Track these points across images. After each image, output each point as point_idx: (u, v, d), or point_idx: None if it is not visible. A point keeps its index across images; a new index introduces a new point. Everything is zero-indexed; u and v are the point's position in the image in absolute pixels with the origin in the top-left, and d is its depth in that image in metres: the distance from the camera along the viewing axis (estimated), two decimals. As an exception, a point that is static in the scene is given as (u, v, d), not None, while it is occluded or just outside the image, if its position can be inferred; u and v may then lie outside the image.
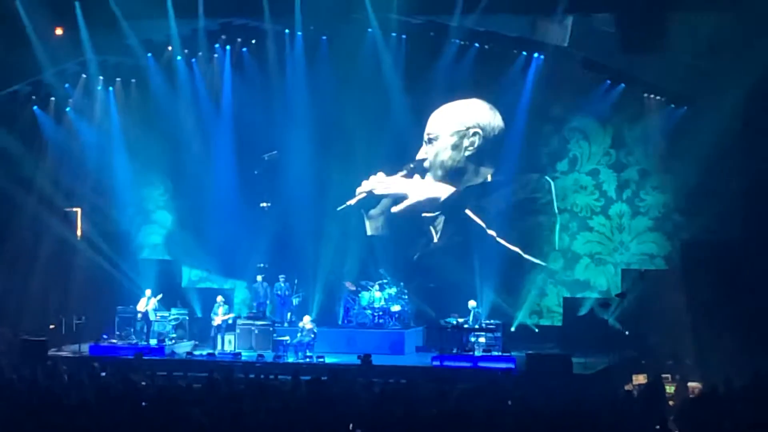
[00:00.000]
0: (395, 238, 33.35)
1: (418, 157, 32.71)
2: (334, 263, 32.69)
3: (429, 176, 32.83)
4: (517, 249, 32.24)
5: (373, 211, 33.35)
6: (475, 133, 32.48)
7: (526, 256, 32.29)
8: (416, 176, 32.71)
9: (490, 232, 32.26)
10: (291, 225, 32.86)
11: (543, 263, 32.31)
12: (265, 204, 33.32)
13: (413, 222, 33.19)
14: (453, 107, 32.65)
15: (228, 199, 34.15)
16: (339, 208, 32.94)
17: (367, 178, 33.04)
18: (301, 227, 32.65)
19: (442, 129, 32.68)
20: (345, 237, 32.94)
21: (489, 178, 32.52)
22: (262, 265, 32.58)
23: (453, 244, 32.78)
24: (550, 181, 32.43)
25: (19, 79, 32.55)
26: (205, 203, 34.40)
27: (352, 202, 33.02)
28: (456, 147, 32.61)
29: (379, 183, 32.69)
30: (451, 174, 32.74)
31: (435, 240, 32.97)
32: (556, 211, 32.35)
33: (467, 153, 32.55)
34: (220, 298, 31.68)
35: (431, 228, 33.01)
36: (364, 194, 33.04)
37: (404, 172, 32.88)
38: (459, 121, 32.58)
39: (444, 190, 32.67)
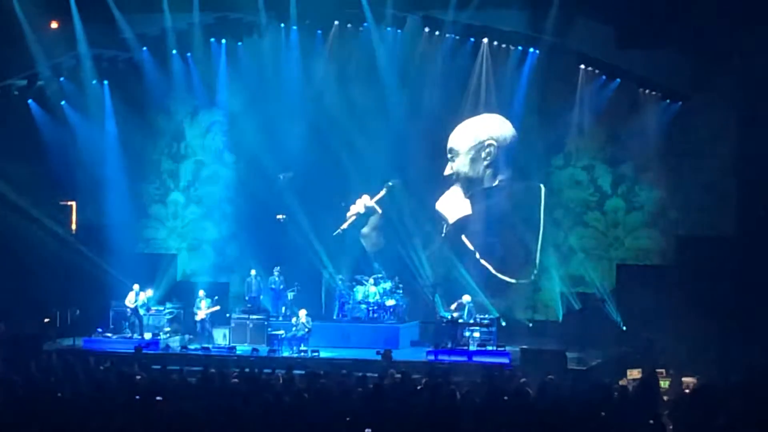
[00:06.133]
0: (393, 244, 33.44)
1: (446, 173, 33.13)
2: (331, 260, 32.85)
3: (455, 187, 33.25)
4: (496, 272, 32.66)
5: (364, 230, 33.64)
6: (490, 145, 32.91)
7: (501, 276, 32.64)
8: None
9: (478, 256, 32.83)
10: (288, 223, 32.95)
11: (517, 281, 32.62)
12: (281, 216, 33.28)
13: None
14: (468, 124, 33.03)
15: (223, 193, 34.33)
16: (334, 233, 33.17)
17: (364, 182, 33.22)
18: (297, 226, 32.73)
19: (461, 145, 33.13)
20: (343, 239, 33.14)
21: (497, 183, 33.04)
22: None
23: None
24: (541, 187, 32.60)
25: (14, 72, 32.57)
26: (199, 197, 34.56)
27: (345, 226, 33.32)
28: (474, 160, 33.04)
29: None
30: (474, 181, 33.17)
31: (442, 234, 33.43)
32: (542, 223, 32.47)
33: (485, 163, 33.01)
34: (201, 293, 31.73)
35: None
36: (354, 217, 33.38)
37: (384, 191, 33.21)
38: (474, 137, 33.05)
39: (456, 211, 33.28)
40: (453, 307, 30.73)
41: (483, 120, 32.97)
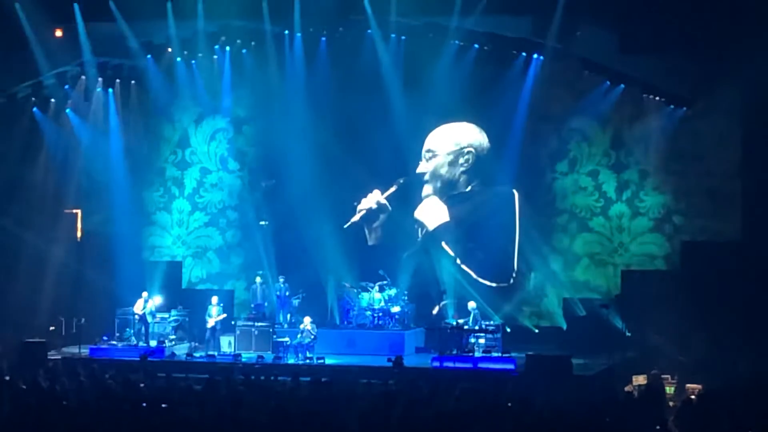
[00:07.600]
0: (393, 243, 33.60)
1: (419, 170, 33.27)
2: (334, 267, 32.84)
3: (428, 186, 33.39)
4: (477, 276, 32.66)
5: (374, 224, 33.73)
6: (468, 152, 33.20)
7: (482, 281, 32.57)
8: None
9: (459, 261, 32.97)
10: (290, 230, 32.98)
11: (498, 285, 32.55)
12: (263, 222, 33.38)
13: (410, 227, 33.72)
14: (448, 129, 33.30)
15: (227, 200, 34.41)
16: (345, 226, 33.29)
17: (367, 188, 33.38)
18: (300, 233, 32.75)
19: (440, 147, 33.38)
20: (344, 244, 33.07)
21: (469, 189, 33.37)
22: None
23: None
24: (514, 192, 32.62)
25: (18, 81, 32.59)
26: (204, 204, 34.64)
27: (355, 219, 33.47)
28: (452, 164, 33.35)
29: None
30: (447, 184, 33.39)
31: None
32: (517, 228, 32.49)
33: (462, 169, 33.26)
34: (215, 299, 31.66)
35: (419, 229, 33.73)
36: (365, 211, 33.42)
37: (395, 188, 33.30)
38: (455, 142, 33.34)
39: (435, 218, 33.48)
40: (435, 311, 31.31)
41: (463, 127, 33.29)
